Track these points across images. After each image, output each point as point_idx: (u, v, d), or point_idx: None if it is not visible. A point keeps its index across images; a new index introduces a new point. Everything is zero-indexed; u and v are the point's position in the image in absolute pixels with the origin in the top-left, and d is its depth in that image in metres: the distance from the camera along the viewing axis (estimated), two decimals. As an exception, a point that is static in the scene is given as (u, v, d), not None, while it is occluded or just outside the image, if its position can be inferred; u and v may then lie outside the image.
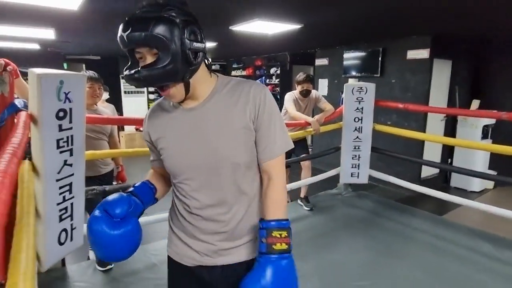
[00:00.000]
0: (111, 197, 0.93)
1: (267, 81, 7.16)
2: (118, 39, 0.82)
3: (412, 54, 4.40)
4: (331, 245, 2.76)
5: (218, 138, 0.90)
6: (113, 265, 2.33)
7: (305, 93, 3.44)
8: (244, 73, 7.94)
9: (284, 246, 0.85)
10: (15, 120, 2.00)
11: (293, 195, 3.74)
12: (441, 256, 2.56)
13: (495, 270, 2.36)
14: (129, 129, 7.19)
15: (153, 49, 0.82)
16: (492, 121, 4.60)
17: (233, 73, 8.33)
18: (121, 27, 0.81)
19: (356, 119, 3.47)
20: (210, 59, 0.95)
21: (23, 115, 1.80)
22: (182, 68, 0.83)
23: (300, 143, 3.64)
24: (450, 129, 4.90)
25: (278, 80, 6.82)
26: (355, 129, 3.49)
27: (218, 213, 0.94)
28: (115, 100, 5.11)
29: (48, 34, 3.97)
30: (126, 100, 7.56)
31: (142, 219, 1.15)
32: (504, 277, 2.27)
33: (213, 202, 0.94)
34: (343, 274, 2.32)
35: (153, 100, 8.10)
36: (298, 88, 3.45)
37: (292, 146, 0.98)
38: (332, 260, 2.51)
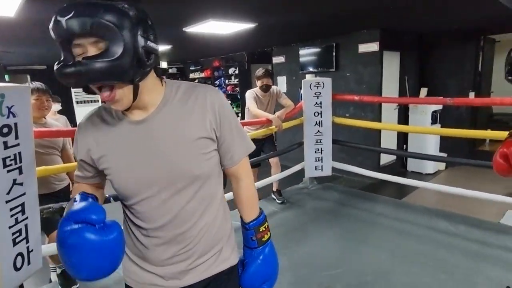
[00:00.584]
0: (79, 205, 0.79)
1: (226, 81, 7.14)
2: (51, 27, 0.68)
3: (364, 48, 4.61)
4: (301, 238, 2.82)
5: (175, 151, 0.82)
6: (78, 285, 2.20)
7: (265, 88, 3.44)
8: (202, 75, 7.85)
9: (269, 234, 1.00)
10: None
11: (264, 192, 3.76)
12: (404, 237, 2.71)
13: (453, 245, 2.54)
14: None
15: (100, 41, 0.69)
16: (439, 107, 4.94)
17: (192, 75, 8.21)
18: (57, 11, 0.67)
19: (316, 114, 3.57)
20: (160, 64, 0.88)
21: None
22: (132, 67, 0.71)
23: (268, 140, 3.67)
24: (403, 117, 5.20)
25: (237, 80, 6.83)
26: (316, 124, 3.58)
27: (182, 231, 0.86)
28: (67, 111, 4.82)
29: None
30: (79, 110, 7.17)
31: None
32: (461, 251, 2.45)
33: (175, 221, 0.85)
34: (315, 265, 2.38)
35: (109, 108, 7.76)
36: (258, 83, 3.45)
37: (253, 147, 0.97)
38: (304, 253, 2.57)
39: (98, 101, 7.39)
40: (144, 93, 0.79)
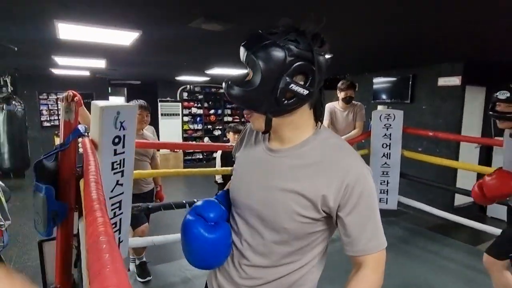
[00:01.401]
0: (202, 202, 0.91)
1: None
2: None
3: (444, 81, 4.41)
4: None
5: (273, 194, 0.82)
6: (151, 277, 2.52)
7: (348, 100, 3.44)
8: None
9: None
10: (78, 144, 2.29)
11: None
12: (474, 288, 2.51)
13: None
14: (164, 149, 7.59)
15: (250, 70, 0.77)
16: (531, 149, 4.43)
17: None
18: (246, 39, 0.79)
19: (384, 145, 3.52)
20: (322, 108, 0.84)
21: (86, 140, 2.09)
22: (264, 101, 0.76)
23: None
24: (485, 156, 4.77)
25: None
26: (383, 155, 3.53)
27: (256, 264, 0.87)
28: (154, 122, 5.49)
29: (100, 63, 4.43)
30: (162, 122, 8.01)
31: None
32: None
33: (253, 251, 0.88)
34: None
35: (187, 122, 8.51)
36: (341, 95, 3.46)
37: (385, 245, 0.84)
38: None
39: (179, 114, 8.18)
40: (285, 128, 0.83)
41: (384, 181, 3.58)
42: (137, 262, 2.60)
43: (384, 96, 5.18)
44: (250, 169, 0.91)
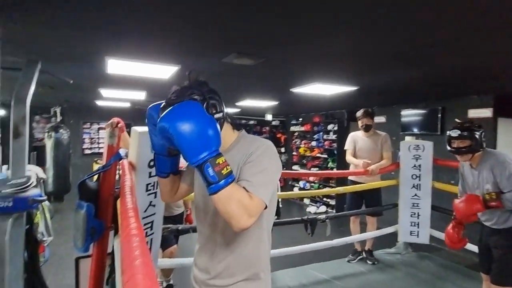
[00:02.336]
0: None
1: (325, 136, 7.37)
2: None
3: (474, 113, 4.32)
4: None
5: None
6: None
7: (365, 128, 3.50)
8: (302, 128, 8.28)
9: (229, 169, 0.92)
10: (118, 166, 2.48)
11: (346, 249, 3.69)
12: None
13: None
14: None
15: None
16: None
17: (292, 128, 8.73)
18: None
19: (414, 176, 3.46)
20: (230, 119, 1.16)
21: (124, 161, 2.27)
22: None
23: (371, 194, 3.58)
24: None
25: (335, 136, 7.00)
26: (413, 186, 3.47)
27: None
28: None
29: (140, 95, 4.79)
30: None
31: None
32: None
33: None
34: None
35: (217, 152, 8.76)
36: (359, 123, 3.57)
37: (266, 197, 1.00)
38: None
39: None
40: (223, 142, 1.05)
41: (415, 213, 3.48)
42: (164, 284, 2.66)
43: (413, 128, 5.12)
44: None
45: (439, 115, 4.68)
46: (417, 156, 3.43)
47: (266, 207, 1.00)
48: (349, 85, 3.69)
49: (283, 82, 3.67)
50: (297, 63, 2.76)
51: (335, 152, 6.96)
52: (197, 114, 0.92)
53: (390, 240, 3.90)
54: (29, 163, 2.44)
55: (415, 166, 3.44)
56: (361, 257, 3.61)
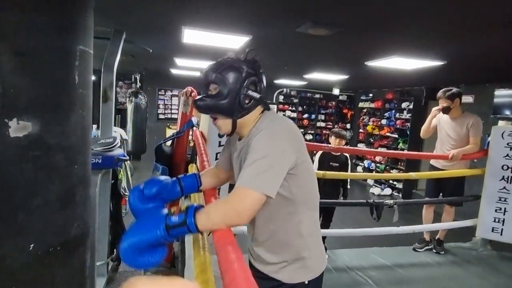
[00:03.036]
0: (156, 178, 1.22)
1: (397, 115, 6.84)
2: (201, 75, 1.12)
3: None
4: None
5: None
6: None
7: (444, 110, 3.15)
8: (372, 105, 7.79)
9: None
10: (190, 132, 2.61)
11: (412, 237, 3.48)
12: None
13: None
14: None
15: (218, 87, 1.04)
16: None
17: (361, 104, 8.26)
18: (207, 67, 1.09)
19: (505, 167, 3.04)
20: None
21: (197, 131, 2.38)
22: (232, 106, 1.04)
23: (452, 182, 3.26)
24: None
25: (410, 115, 6.45)
26: (502, 178, 3.06)
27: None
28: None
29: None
30: (257, 122, 8.42)
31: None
32: None
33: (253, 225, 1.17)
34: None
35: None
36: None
37: (263, 188, 0.92)
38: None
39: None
40: (243, 127, 1.10)
41: (500, 209, 3.09)
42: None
43: (507, 112, 4.45)
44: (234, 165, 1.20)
45: (545, 98, 3.97)
46: (512, 144, 2.99)
47: (269, 197, 0.93)
48: (435, 59, 3.29)
49: (358, 54, 3.42)
50: (378, 33, 2.52)
51: (408, 132, 6.44)
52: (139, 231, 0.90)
53: (466, 234, 3.56)
54: (114, 125, 2.70)
55: (508, 156, 3.00)
56: (428, 247, 3.37)
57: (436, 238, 3.37)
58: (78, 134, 1.60)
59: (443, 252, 3.29)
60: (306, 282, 1.14)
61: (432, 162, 3.42)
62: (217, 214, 0.90)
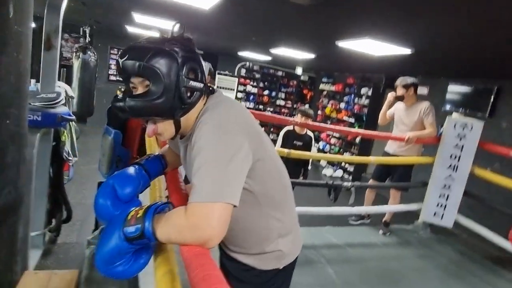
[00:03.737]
0: (124, 172, 0.93)
1: (356, 99, 7.02)
2: (116, 64, 0.84)
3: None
4: (400, 284, 2.63)
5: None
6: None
7: (399, 97, 3.35)
8: (333, 88, 7.90)
9: (143, 208, 0.77)
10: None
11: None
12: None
13: None
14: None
15: (146, 81, 0.80)
16: None
17: (321, 86, 8.34)
18: (119, 54, 0.82)
19: (453, 156, 3.24)
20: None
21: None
22: (172, 105, 0.81)
23: (401, 168, 3.43)
24: None
25: (368, 100, 6.64)
26: (450, 166, 3.26)
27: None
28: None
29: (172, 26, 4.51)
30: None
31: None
32: None
33: None
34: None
35: (240, 98, 8.57)
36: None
37: (227, 199, 0.73)
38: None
39: (234, 90, 8.22)
40: (187, 124, 0.89)
41: (444, 195, 3.32)
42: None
43: (458, 106, 4.74)
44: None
45: (492, 96, 4.27)
46: (462, 135, 3.17)
47: (234, 206, 0.76)
48: (403, 45, 3.32)
49: (332, 32, 3.33)
50: (358, 8, 2.42)
51: (364, 118, 6.65)
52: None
53: (408, 217, 3.80)
54: (58, 80, 2.33)
55: (457, 145, 3.20)
56: (362, 221, 3.59)
57: (383, 220, 3.55)
58: (11, 81, 1.30)
59: (389, 234, 3.48)
60: (281, 268, 1.05)
61: (386, 148, 3.56)
62: (181, 239, 0.72)
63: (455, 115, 3.33)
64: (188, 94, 0.83)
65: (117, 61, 0.81)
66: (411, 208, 3.52)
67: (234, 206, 0.74)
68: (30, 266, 1.87)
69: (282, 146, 3.18)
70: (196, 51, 0.87)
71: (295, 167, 3.24)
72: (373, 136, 3.51)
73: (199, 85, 0.85)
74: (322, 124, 7.24)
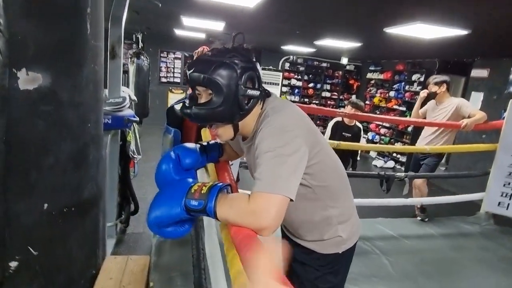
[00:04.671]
0: (187, 145, 1.08)
1: (407, 87, 6.68)
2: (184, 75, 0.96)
3: None
4: (460, 275, 2.52)
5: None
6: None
7: (431, 94, 3.27)
8: (381, 76, 7.59)
9: (208, 184, 0.84)
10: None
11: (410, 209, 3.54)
12: None
13: None
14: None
15: (209, 90, 0.90)
16: None
17: (369, 75, 8.05)
18: (187, 65, 0.94)
19: (519, 143, 2.99)
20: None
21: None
22: (231, 112, 0.90)
23: (431, 158, 3.36)
24: None
25: (420, 87, 6.29)
26: (516, 154, 3.02)
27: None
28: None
29: (219, 26, 4.67)
30: (261, 90, 8.23)
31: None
32: None
33: None
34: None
35: (285, 92, 8.58)
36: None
37: (282, 190, 0.79)
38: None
39: (278, 84, 8.27)
40: (245, 127, 0.98)
41: (509, 183, 3.09)
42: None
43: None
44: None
45: None
46: (530, 120, 2.92)
47: (291, 200, 0.82)
48: (459, 27, 3.11)
49: (379, 18, 3.23)
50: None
51: (416, 105, 6.32)
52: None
53: (469, 209, 3.59)
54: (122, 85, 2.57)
55: (523, 131, 2.95)
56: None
57: (419, 206, 3.44)
58: (91, 89, 1.49)
59: (427, 219, 3.39)
60: (340, 252, 1.11)
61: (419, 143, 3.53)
62: (240, 221, 0.79)
63: (520, 97, 3.06)
64: (246, 101, 0.92)
65: (185, 72, 0.96)
66: (472, 198, 3.32)
67: (291, 200, 0.81)
68: (107, 252, 2.12)
69: (331, 137, 3.18)
70: (253, 60, 0.95)
71: (343, 159, 3.23)
72: (424, 124, 3.37)
73: (256, 92, 0.93)
74: (370, 115, 7.04)
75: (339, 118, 3.36)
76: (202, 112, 0.91)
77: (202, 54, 0.97)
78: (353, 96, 8.77)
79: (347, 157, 3.29)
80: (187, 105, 0.93)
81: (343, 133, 3.25)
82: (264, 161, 0.83)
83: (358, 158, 3.46)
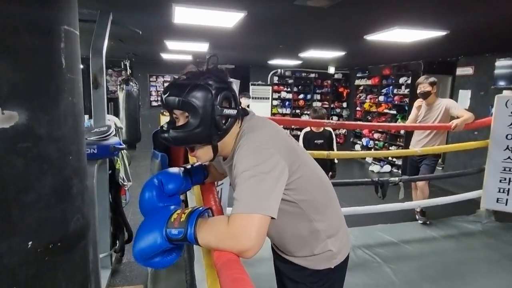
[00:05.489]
0: (170, 170, 1.07)
1: (395, 91, 6.74)
2: (160, 99, 0.95)
3: None
4: (466, 277, 2.47)
5: None
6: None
7: (422, 94, 3.28)
8: (369, 82, 7.67)
9: (186, 211, 0.82)
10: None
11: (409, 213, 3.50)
12: None
13: None
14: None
15: (185, 113, 0.90)
16: None
17: (357, 81, 8.14)
18: (163, 89, 0.94)
19: (509, 136, 3.01)
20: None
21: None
22: (209, 132, 0.90)
23: (427, 159, 3.37)
24: None
25: (408, 90, 6.35)
26: (507, 148, 3.03)
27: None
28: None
29: (203, 47, 4.74)
30: (252, 105, 8.26)
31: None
32: None
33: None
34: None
35: (276, 106, 8.63)
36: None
37: (262, 209, 0.78)
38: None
39: (268, 98, 8.33)
40: (224, 147, 0.99)
41: (505, 179, 3.08)
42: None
43: (509, 82, 4.38)
44: None
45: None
46: (517, 113, 2.94)
47: (272, 218, 0.80)
48: (437, 29, 3.17)
49: (357, 28, 3.29)
50: (380, 2, 2.39)
51: (406, 108, 6.36)
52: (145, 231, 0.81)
53: (468, 207, 3.56)
54: (107, 113, 2.57)
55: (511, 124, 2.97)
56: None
57: (419, 210, 3.42)
58: (69, 122, 1.48)
59: (428, 222, 3.35)
60: (333, 267, 1.09)
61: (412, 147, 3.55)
62: (221, 245, 0.77)
63: (505, 92, 3.10)
64: (223, 121, 0.92)
65: (161, 98, 0.94)
66: (469, 197, 3.30)
67: (272, 218, 0.80)
68: (102, 285, 2.07)
69: (304, 147, 3.23)
70: (228, 80, 0.96)
71: (321, 164, 3.24)
72: (414, 128, 3.38)
73: (233, 112, 0.94)
74: (358, 123, 7.10)
75: (308, 128, 3.46)
76: (180, 135, 0.91)
77: (176, 79, 0.96)
78: (344, 104, 8.84)
79: (325, 162, 3.30)
80: (164, 129, 0.93)
81: (315, 141, 3.32)
82: (242, 181, 0.82)
83: (336, 161, 3.49)
